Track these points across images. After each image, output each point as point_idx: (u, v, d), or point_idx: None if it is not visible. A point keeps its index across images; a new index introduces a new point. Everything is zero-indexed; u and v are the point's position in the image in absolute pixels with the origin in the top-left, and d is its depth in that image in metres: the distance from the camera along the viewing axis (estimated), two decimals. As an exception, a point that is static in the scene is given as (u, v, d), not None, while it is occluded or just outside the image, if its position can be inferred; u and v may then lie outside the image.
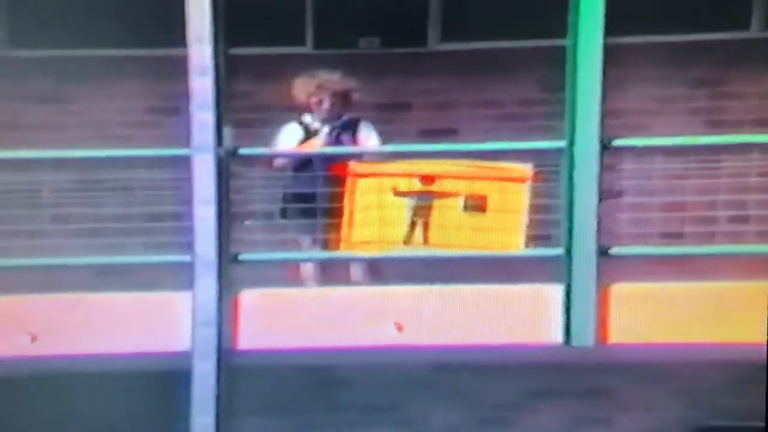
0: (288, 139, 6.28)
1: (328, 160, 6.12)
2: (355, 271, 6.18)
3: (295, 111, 6.26)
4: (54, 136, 6.77)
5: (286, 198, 6.18)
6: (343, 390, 6.63)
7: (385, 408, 6.67)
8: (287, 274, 6.14)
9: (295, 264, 6.16)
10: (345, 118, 6.24)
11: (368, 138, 6.27)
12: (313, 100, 6.21)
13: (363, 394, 6.60)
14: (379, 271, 6.14)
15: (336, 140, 6.25)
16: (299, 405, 6.58)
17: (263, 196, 6.16)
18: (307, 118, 6.29)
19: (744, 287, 5.70)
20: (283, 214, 6.16)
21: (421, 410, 6.68)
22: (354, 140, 6.26)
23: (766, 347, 5.58)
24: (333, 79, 6.18)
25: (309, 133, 6.26)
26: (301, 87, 6.24)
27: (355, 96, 6.24)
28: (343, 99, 6.20)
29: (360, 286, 6.10)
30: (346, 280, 6.15)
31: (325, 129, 6.24)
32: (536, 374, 6.39)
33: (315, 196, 6.05)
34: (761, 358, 5.85)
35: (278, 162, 6.25)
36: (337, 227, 6.05)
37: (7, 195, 6.14)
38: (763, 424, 5.94)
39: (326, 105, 6.19)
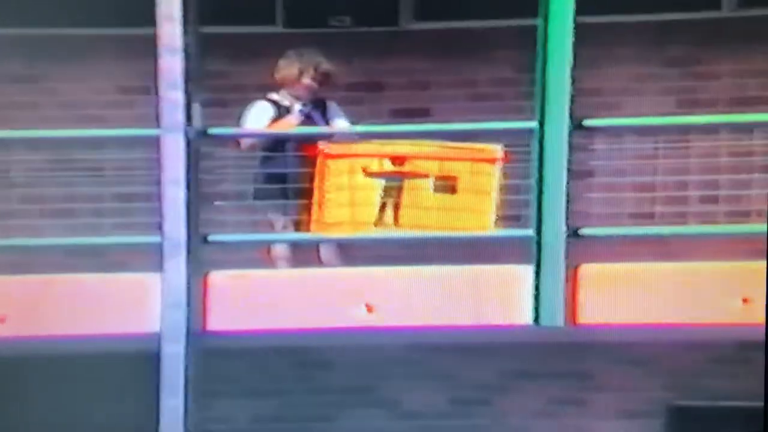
0: (258, 117, 6.24)
1: (301, 138, 6.10)
2: (326, 252, 6.15)
3: (272, 89, 6.23)
4: (26, 115, 6.73)
5: (258, 178, 6.15)
6: (316, 371, 6.62)
7: (362, 389, 6.66)
8: (259, 255, 6.12)
9: (267, 245, 6.14)
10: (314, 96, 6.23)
11: (338, 118, 6.25)
12: (306, 80, 6.16)
13: (337, 375, 6.59)
14: (349, 251, 6.12)
15: (307, 119, 6.23)
16: (271, 387, 6.57)
17: (234, 177, 6.13)
18: (275, 96, 6.25)
19: (714, 267, 5.69)
20: (256, 194, 6.14)
21: (398, 391, 6.68)
22: (324, 119, 6.25)
23: (765, 328, 5.55)
24: (325, 63, 6.17)
25: (280, 112, 6.22)
26: (292, 66, 6.17)
27: (336, 79, 6.24)
28: (326, 81, 6.20)
29: (330, 267, 6.09)
30: (317, 262, 6.14)
31: (297, 107, 6.21)
32: (508, 355, 6.38)
33: (287, 176, 6.03)
34: (733, 339, 5.86)
35: (246, 142, 6.20)
36: (308, 208, 6.03)
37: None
38: (734, 404, 5.96)
39: (316, 86, 6.17)
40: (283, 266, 6.14)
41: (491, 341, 6.01)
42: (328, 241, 6.06)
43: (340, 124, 6.23)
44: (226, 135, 6.15)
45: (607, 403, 6.54)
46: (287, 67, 6.21)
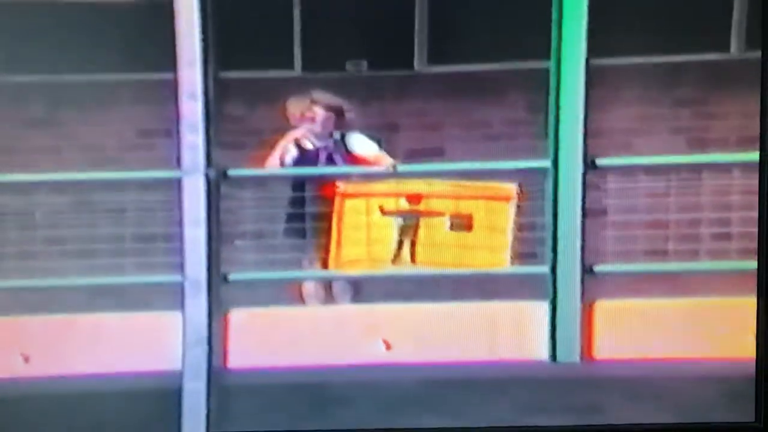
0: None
1: (321, 179, 6.21)
2: (337, 289, 6.23)
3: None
4: (49, 159, 6.83)
5: (286, 218, 6.25)
6: (336, 407, 6.68)
7: (379, 423, 6.71)
8: (288, 293, 6.20)
9: (299, 283, 6.23)
10: (336, 136, 6.32)
11: (359, 147, 6.34)
12: (308, 115, 6.30)
13: (355, 410, 6.65)
14: (360, 288, 6.21)
15: (328, 160, 6.33)
16: (291, 421, 6.63)
17: (253, 217, 6.23)
18: (302, 139, 6.36)
19: (727, 303, 5.77)
20: (286, 233, 6.23)
21: (414, 425, 6.73)
22: (350, 157, 6.34)
23: (755, 361, 5.64)
24: (325, 95, 6.29)
25: (303, 153, 6.34)
26: (295, 104, 6.33)
27: (349, 115, 6.33)
28: (336, 116, 6.30)
29: (340, 303, 6.17)
30: (330, 299, 6.22)
31: (307, 143, 6.32)
32: (524, 390, 6.44)
33: (305, 215, 6.14)
34: (748, 373, 5.92)
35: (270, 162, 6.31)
36: (326, 247, 6.12)
37: (1, 217, 6.21)
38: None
39: (318, 119, 6.29)
40: (313, 303, 6.23)
41: (508, 376, 6.08)
42: (339, 278, 6.15)
43: (363, 150, 6.30)
44: (245, 176, 6.25)
45: (622, 438, 6.59)
46: (290, 107, 6.36)
